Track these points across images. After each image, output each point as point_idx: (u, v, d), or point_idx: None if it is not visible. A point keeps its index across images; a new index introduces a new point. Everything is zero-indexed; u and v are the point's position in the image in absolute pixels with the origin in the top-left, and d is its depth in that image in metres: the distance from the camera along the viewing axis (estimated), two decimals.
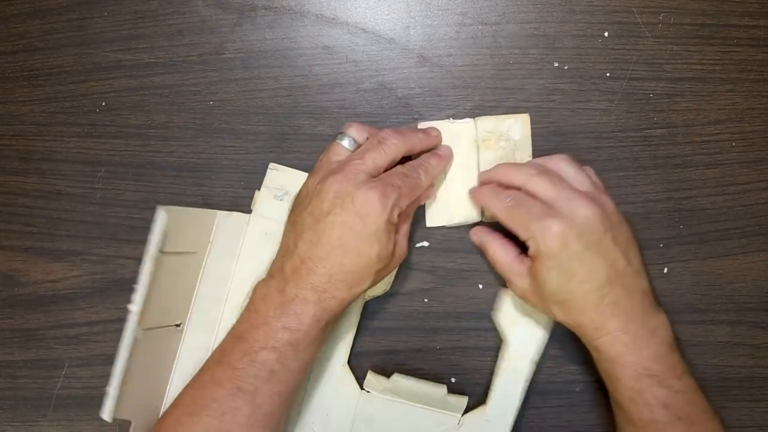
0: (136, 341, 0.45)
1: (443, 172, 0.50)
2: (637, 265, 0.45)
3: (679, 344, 0.45)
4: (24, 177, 0.55)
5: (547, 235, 0.43)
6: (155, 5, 0.54)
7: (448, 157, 0.50)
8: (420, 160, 0.48)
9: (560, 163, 0.46)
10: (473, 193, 0.50)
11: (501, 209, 0.46)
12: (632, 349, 0.43)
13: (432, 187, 0.50)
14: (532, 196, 0.45)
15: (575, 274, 0.43)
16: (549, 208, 0.43)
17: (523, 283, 0.46)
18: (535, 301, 0.46)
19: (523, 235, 0.44)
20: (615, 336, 0.43)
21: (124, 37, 0.54)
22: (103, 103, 0.54)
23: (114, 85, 0.54)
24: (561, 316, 0.45)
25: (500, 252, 0.48)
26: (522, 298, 0.48)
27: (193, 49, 0.53)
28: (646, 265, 0.46)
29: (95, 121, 0.54)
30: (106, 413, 0.44)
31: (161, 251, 0.47)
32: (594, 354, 0.46)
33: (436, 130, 0.50)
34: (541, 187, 0.44)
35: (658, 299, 0.46)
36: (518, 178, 0.46)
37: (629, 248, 0.45)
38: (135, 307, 0.45)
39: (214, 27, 0.53)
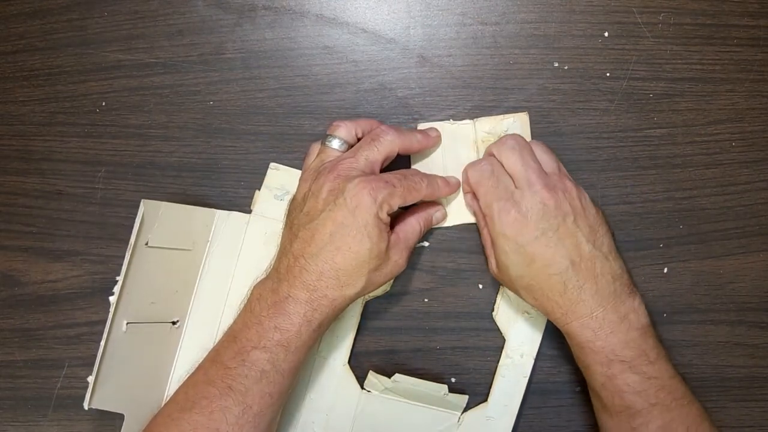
0: (120, 333, 0.46)
1: (444, 168, 0.51)
2: (606, 249, 0.45)
3: (654, 329, 0.45)
4: (24, 177, 0.55)
5: (504, 218, 0.44)
6: (155, 5, 0.54)
7: (455, 186, 0.50)
8: (428, 174, 0.48)
9: (533, 144, 0.48)
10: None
11: (474, 175, 0.47)
12: (600, 335, 0.44)
13: (444, 209, 0.51)
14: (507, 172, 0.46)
15: (534, 259, 0.44)
16: (513, 191, 0.45)
17: (493, 264, 0.48)
18: (506, 283, 0.48)
19: (484, 210, 0.46)
20: (582, 321, 0.44)
21: (124, 37, 0.54)
22: (103, 103, 0.54)
23: (114, 85, 0.54)
24: (530, 301, 0.46)
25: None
26: (497, 278, 0.49)
27: (193, 49, 0.53)
28: (618, 250, 0.46)
29: (95, 121, 0.54)
30: (85, 402, 0.45)
31: (148, 245, 0.47)
32: (567, 339, 0.47)
33: (436, 130, 0.50)
34: (511, 160, 0.45)
35: (634, 283, 0.46)
36: (496, 148, 0.47)
37: (596, 232, 0.45)
38: (114, 298, 0.46)
39: (214, 27, 0.53)
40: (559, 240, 0.43)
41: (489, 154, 0.48)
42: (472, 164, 0.48)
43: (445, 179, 0.49)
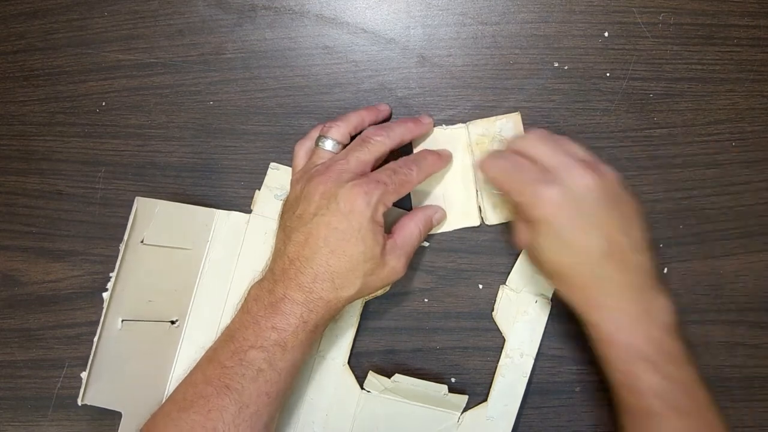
0: (114, 330, 0.47)
1: (440, 171, 0.50)
2: (637, 241, 0.43)
3: (681, 333, 0.43)
4: (24, 177, 0.55)
5: (540, 202, 0.42)
6: (155, 5, 0.54)
7: (447, 158, 0.50)
8: (416, 155, 0.48)
9: (558, 137, 0.46)
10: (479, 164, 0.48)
11: (498, 171, 0.45)
12: (622, 329, 0.42)
13: (443, 210, 0.51)
14: (532, 162, 0.44)
15: (569, 244, 0.42)
16: (546, 174, 0.43)
17: (523, 238, 0.46)
18: (532, 262, 0.46)
19: (516, 197, 0.44)
20: (604, 314, 0.42)
21: (124, 37, 0.54)
22: (103, 103, 0.54)
23: (114, 85, 0.54)
24: (556, 287, 0.45)
25: None
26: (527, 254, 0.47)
27: (193, 49, 0.53)
28: (652, 244, 0.44)
29: (95, 121, 0.54)
30: (78, 398, 0.45)
31: (143, 243, 0.47)
32: (589, 331, 0.45)
33: (428, 117, 0.50)
34: (542, 151, 0.44)
35: (661, 282, 0.45)
36: (519, 143, 0.45)
37: (630, 222, 0.43)
38: (107, 294, 0.46)
39: (214, 27, 0.53)
40: (594, 226, 0.42)
41: (512, 150, 0.46)
42: (489, 160, 0.46)
43: (436, 154, 0.49)
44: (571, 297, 0.44)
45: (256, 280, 0.47)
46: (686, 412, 0.42)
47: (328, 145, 0.47)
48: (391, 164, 0.46)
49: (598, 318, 0.43)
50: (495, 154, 0.46)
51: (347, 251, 0.43)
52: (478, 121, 0.51)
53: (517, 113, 0.51)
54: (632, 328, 0.42)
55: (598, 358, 0.45)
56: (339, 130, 0.47)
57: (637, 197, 0.45)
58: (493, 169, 0.45)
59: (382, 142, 0.46)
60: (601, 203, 0.42)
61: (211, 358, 0.45)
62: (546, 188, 0.42)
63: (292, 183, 0.47)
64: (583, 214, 0.42)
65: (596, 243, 0.42)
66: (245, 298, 0.46)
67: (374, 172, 0.45)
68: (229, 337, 0.45)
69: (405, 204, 0.51)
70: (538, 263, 0.45)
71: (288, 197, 0.47)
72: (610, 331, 0.42)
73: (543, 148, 0.44)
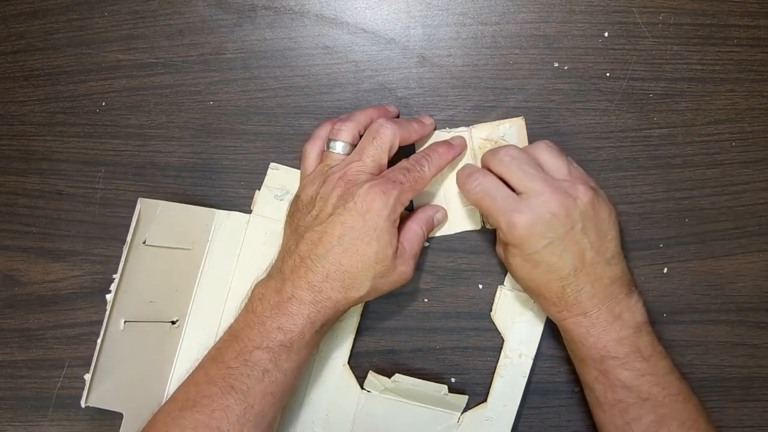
0: (117, 331, 0.47)
1: (440, 175, 0.51)
2: (609, 254, 0.45)
3: (651, 326, 0.45)
4: (24, 177, 0.55)
5: (511, 230, 0.43)
6: (155, 5, 0.54)
7: (460, 147, 0.50)
8: (426, 150, 0.48)
9: (536, 149, 0.46)
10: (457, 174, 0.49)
11: (470, 196, 0.46)
12: (592, 333, 0.44)
13: (444, 210, 0.51)
14: (505, 183, 0.45)
15: (538, 265, 0.44)
16: (515, 200, 0.44)
17: (501, 251, 0.48)
18: (510, 272, 0.48)
19: (492, 222, 0.46)
20: (576, 320, 0.45)
21: (124, 37, 0.54)
22: (103, 103, 0.54)
23: (114, 85, 0.54)
24: (528, 294, 0.48)
25: None
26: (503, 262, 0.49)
27: (193, 49, 0.53)
28: (623, 251, 0.46)
29: (95, 121, 0.54)
30: (82, 400, 0.45)
31: (146, 244, 0.47)
32: (562, 334, 0.48)
33: (429, 117, 0.50)
34: (515, 175, 0.44)
35: (633, 281, 0.46)
36: (493, 163, 0.46)
37: (603, 238, 0.44)
38: (110, 296, 0.46)
39: (214, 27, 0.53)
40: (564, 248, 0.43)
41: (485, 166, 0.47)
42: (462, 180, 0.47)
43: (447, 143, 0.49)
44: (542, 305, 0.47)
45: (260, 278, 0.47)
46: (659, 402, 0.44)
47: (339, 147, 0.47)
48: (404, 162, 0.47)
49: (569, 323, 0.45)
50: (467, 173, 0.47)
51: (360, 250, 0.43)
52: (482, 125, 0.51)
53: (520, 118, 0.51)
54: (600, 332, 0.44)
55: (573, 358, 0.48)
56: (349, 132, 0.47)
57: (615, 208, 0.46)
58: (467, 193, 0.46)
59: (392, 133, 0.46)
60: (570, 225, 0.43)
61: (214, 357, 0.45)
62: (514, 216, 0.43)
63: (305, 185, 0.47)
64: (551, 239, 0.43)
65: (566, 263, 0.44)
66: (249, 297, 0.46)
67: (389, 170, 0.46)
68: (233, 337, 0.45)
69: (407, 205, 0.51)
70: (514, 278, 0.48)
71: (300, 198, 0.47)
72: (580, 334, 0.45)
73: (516, 171, 0.44)
